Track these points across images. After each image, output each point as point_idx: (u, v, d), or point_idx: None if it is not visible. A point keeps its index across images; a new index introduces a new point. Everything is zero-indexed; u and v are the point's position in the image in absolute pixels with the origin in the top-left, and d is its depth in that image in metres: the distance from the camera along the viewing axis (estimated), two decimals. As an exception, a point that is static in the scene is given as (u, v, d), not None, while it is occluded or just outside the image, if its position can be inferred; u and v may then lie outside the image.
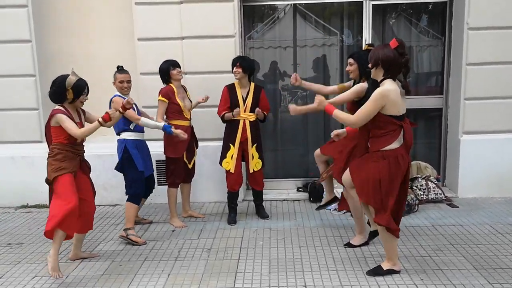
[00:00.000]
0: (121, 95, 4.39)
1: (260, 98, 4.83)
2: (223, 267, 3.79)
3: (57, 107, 3.74)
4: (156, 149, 5.33)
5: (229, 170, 4.82)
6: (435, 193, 5.33)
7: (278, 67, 5.99)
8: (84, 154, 3.92)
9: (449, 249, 4.04)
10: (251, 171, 4.86)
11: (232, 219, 4.88)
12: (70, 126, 3.64)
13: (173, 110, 4.68)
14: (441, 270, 3.61)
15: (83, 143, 3.91)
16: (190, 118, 4.84)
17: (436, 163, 5.88)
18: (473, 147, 5.41)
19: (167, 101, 4.64)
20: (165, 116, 4.72)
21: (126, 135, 4.39)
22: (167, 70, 4.66)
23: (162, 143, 4.89)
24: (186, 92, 4.87)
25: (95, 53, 5.69)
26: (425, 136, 5.99)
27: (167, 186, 4.87)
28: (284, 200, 5.68)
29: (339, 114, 3.43)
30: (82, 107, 3.91)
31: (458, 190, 5.53)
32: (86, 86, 3.78)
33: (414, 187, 5.36)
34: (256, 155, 4.85)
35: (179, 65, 4.72)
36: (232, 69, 4.72)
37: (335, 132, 4.01)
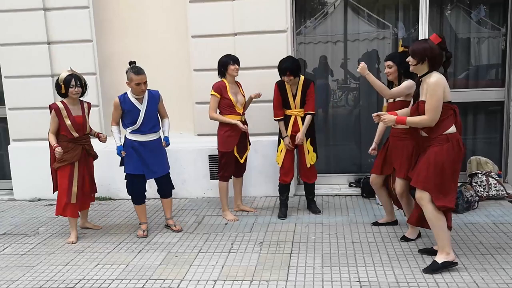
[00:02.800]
0: (130, 95, 4.32)
1: (308, 93, 4.78)
2: (276, 261, 3.81)
3: (56, 101, 4.41)
4: (207, 145, 5.45)
5: (278, 164, 4.90)
6: (496, 190, 5.11)
7: (328, 62, 5.93)
8: (88, 143, 4.54)
9: (511, 247, 3.87)
10: (308, 165, 4.86)
11: (282, 213, 4.90)
12: (50, 123, 4.35)
13: (225, 105, 4.77)
14: (503, 269, 3.47)
15: (86, 135, 4.50)
16: (244, 113, 4.91)
17: (497, 158, 5.62)
18: (538, 142, 5.15)
19: (219, 96, 4.73)
20: (218, 111, 4.81)
21: (126, 134, 4.42)
22: (226, 63, 4.73)
23: (211, 138, 5.00)
24: (240, 88, 4.93)
25: (150, 50, 5.85)
26: (485, 130, 5.75)
27: (218, 180, 4.97)
28: (336, 195, 5.63)
29: (412, 120, 3.45)
30: (86, 100, 4.54)
31: (521, 186, 5.29)
32: (72, 79, 4.29)
33: (474, 183, 5.16)
34: (311, 148, 4.87)
35: (239, 62, 4.78)
36: (282, 76, 4.69)
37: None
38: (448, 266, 3.45)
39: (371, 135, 5.80)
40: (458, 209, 4.68)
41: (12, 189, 6.15)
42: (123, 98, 4.34)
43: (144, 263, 3.90)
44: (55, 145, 4.26)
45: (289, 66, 4.64)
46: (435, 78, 3.33)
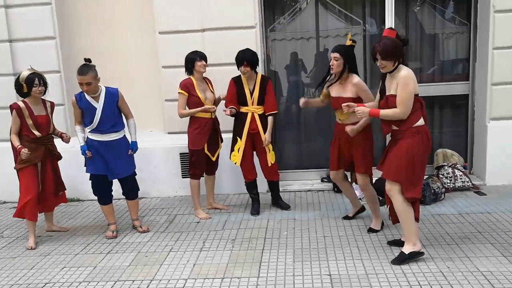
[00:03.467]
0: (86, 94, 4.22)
1: (267, 90, 4.75)
2: (248, 257, 3.80)
3: (17, 101, 4.30)
4: (177, 142, 5.38)
5: (235, 163, 4.85)
6: (462, 181, 5.22)
7: (301, 58, 5.95)
8: (51, 143, 4.42)
9: (476, 237, 3.96)
10: (269, 164, 4.84)
11: (255, 210, 4.89)
12: (12, 123, 4.22)
13: (193, 102, 4.71)
14: (468, 258, 3.55)
15: (49, 135, 4.37)
16: (214, 111, 4.85)
17: (463, 150, 5.75)
18: (501, 134, 5.27)
19: (186, 93, 4.68)
20: (187, 108, 4.75)
21: (88, 134, 4.32)
22: (193, 60, 4.68)
23: (182, 136, 4.94)
24: (208, 84, 4.88)
25: (117, 47, 5.76)
26: (451, 123, 5.87)
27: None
28: (308, 190, 5.66)
29: (385, 112, 3.48)
30: (48, 99, 4.42)
31: (485, 177, 5.41)
32: (36, 78, 4.18)
33: (441, 175, 5.27)
34: (271, 147, 4.84)
35: (206, 59, 4.73)
36: (238, 67, 4.67)
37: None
38: (414, 256, 3.51)
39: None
40: (426, 200, 4.77)
41: (-24, 192, 5.96)
42: (79, 96, 4.23)
43: (113, 264, 3.83)
44: (20, 146, 4.15)
45: (246, 57, 4.61)
46: (406, 72, 3.38)
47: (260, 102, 4.75)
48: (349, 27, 5.78)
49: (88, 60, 4.20)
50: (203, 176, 5.00)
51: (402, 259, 3.50)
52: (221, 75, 5.12)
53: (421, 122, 3.46)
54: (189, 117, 4.79)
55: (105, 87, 4.28)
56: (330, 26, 5.82)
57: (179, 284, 3.39)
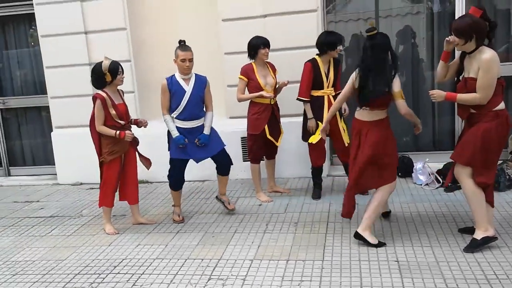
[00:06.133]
0: (177, 76, 4.26)
1: (339, 71, 4.82)
2: (311, 241, 3.83)
3: (98, 91, 4.17)
4: (239, 127, 5.46)
5: (312, 141, 4.74)
6: (538, 167, 4.94)
7: (361, 40, 5.82)
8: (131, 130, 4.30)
9: (555, 225, 3.76)
10: (345, 144, 4.73)
11: (316, 194, 4.88)
12: (97, 115, 4.11)
13: (253, 87, 4.77)
14: (546, 246, 3.38)
15: (129, 123, 4.33)
16: (275, 97, 4.88)
17: (540, 134, 5.42)
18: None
19: (246, 79, 4.75)
20: (247, 93, 4.83)
21: (175, 121, 4.31)
22: (257, 47, 4.70)
23: (243, 120, 5.03)
24: (270, 69, 4.89)
25: (181, 36, 5.88)
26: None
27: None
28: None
29: (463, 97, 3.33)
30: (121, 88, 4.33)
31: None
32: (119, 65, 4.16)
33: (515, 161, 5.02)
34: (345, 126, 4.78)
35: (269, 45, 4.74)
36: (334, 48, 4.59)
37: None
38: (488, 241, 3.38)
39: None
40: (500, 187, 4.58)
41: (56, 174, 6.40)
42: (171, 79, 4.25)
43: (183, 243, 4.00)
44: (119, 132, 4.11)
45: (340, 39, 4.65)
46: (489, 55, 3.19)
47: (334, 84, 4.77)
48: (411, 5, 5.55)
49: (182, 41, 4.27)
50: (263, 160, 5.07)
51: (474, 246, 3.38)
52: (282, 60, 5.13)
53: (501, 106, 3.28)
54: (249, 102, 4.86)
55: (194, 73, 4.33)
56: (390, 5, 5.61)
57: (245, 264, 3.49)
